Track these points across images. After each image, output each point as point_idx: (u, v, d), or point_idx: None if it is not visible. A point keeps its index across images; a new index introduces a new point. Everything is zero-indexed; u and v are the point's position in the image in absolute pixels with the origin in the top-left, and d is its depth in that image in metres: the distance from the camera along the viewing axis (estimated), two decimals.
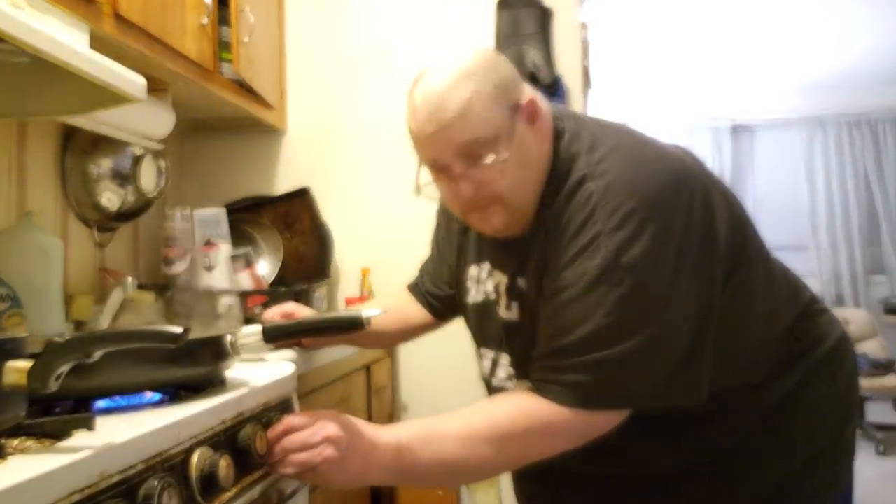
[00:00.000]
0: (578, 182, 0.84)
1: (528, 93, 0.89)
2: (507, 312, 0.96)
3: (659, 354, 0.81)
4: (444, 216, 1.13)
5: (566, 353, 0.82)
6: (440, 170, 0.87)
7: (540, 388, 0.85)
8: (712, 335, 0.84)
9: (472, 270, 1.05)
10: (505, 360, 1.00)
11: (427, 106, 0.84)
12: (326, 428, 0.81)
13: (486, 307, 1.02)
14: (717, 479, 0.93)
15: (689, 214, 0.83)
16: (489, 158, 0.84)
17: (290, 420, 0.84)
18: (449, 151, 0.84)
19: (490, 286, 1.00)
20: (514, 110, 0.85)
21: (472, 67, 0.85)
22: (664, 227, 0.80)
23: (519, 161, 0.85)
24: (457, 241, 1.08)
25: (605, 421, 0.83)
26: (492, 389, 1.04)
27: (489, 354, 1.03)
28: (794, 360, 0.95)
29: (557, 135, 0.90)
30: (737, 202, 0.94)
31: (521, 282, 0.92)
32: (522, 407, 0.84)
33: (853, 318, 4.13)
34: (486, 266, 1.01)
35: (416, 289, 1.21)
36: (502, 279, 0.96)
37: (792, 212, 5.07)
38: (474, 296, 1.04)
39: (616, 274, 0.79)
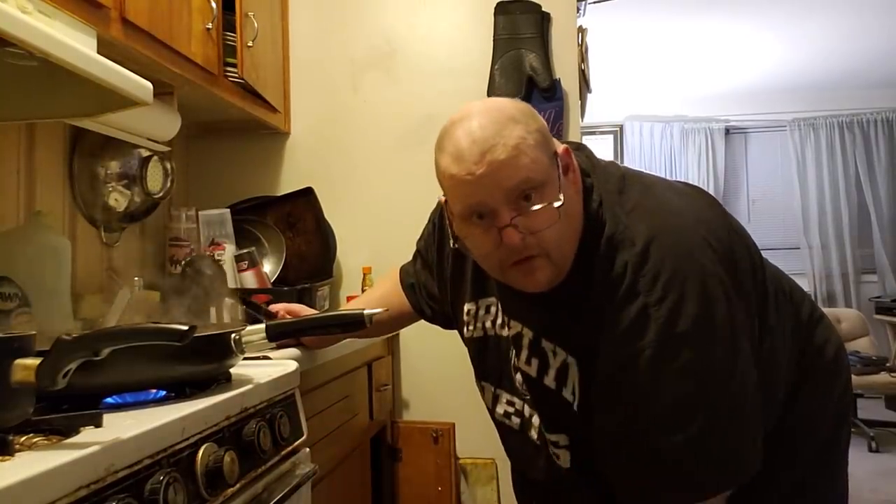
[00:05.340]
0: (609, 249, 0.82)
1: (561, 144, 0.86)
2: (527, 367, 0.94)
3: (738, 422, 0.79)
4: (437, 239, 1.10)
5: (644, 450, 0.79)
6: (483, 217, 0.81)
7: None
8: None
9: (469, 307, 1.03)
10: (505, 397, 1.00)
11: (473, 147, 0.78)
12: None
13: (486, 341, 1.01)
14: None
15: (729, 266, 0.81)
16: (539, 204, 0.79)
17: None
18: (498, 195, 0.79)
19: (502, 330, 0.98)
20: (555, 158, 0.82)
21: (514, 112, 0.81)
22: (707, 288, 0.78)
23: (566, 211, 0.81)
24: (450, 272, 1.06)
25: None
26: (495, 421, 1.04)
27: (489, 388, 1.03)
28: (802, 378, 0.95)
29: (587, 191, 0.87)
30: (747, 235, 0.93)
31: (546, 344, 0.91)
32: None
33: (845, 316, 4.14)
34: (488, 305, 1.00)
35: (413, 292, 1.20)
36: (526, 332, 0.93)
37: (784, 212, 5.09)
38: (471, 331, 1.03)
39: (672, 345, 0.77)
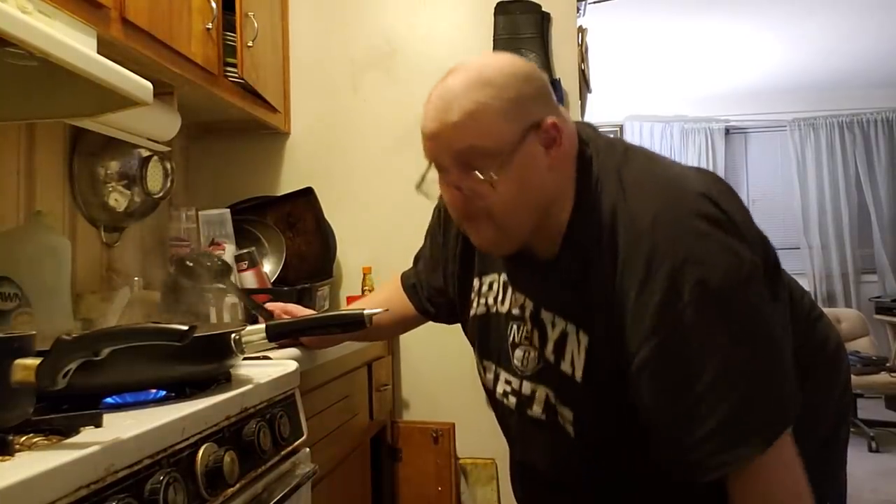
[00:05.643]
0: (612, 220, 0.81)
1: (555, 116, 0.84)
2: (531, 338, 0.94)
3: (783, 364, 0.79)
4: (443, 221, 1.11)
5: (710, 415, 0.75)
6: (439, 172, 0.87)
7: (722, 466, 0.77)
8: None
9: (475, 283, 1.04)
10: (504, 376, 1.00)
11: (437, 103, 0.82)
12: None
13: (488, 319, 1.01)
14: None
15: (739, 223, 0.81)
16: (481, 173, 0.80)
17: None
18: (447, 155, 0.83)
19: (501, 306, 0.98)
20: (530, 129, 0.81)
21: (493, 75, 0.81)
22: (724, 242, 0.78)
23: (518, 183, 0.81)
24: (459, 250, 1.06)
25: (788, 448, 0.78)
26: (495, 402, 1.04)
27: (490, 367, 1.03)
28: (803, 374, 0.93)
29: (585, 162, 0.87)
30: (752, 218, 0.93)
31: (545, 314, 0.91)
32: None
33: (845, 316, 4.14)
34: (491, 282, 1.01)
35: (414, 293, 1.20)
36: (528, 304, 0.93)
37: (784, 212, 5.09)
38: (476, 308, 1.03)
39: (712, 301, 0.76)
